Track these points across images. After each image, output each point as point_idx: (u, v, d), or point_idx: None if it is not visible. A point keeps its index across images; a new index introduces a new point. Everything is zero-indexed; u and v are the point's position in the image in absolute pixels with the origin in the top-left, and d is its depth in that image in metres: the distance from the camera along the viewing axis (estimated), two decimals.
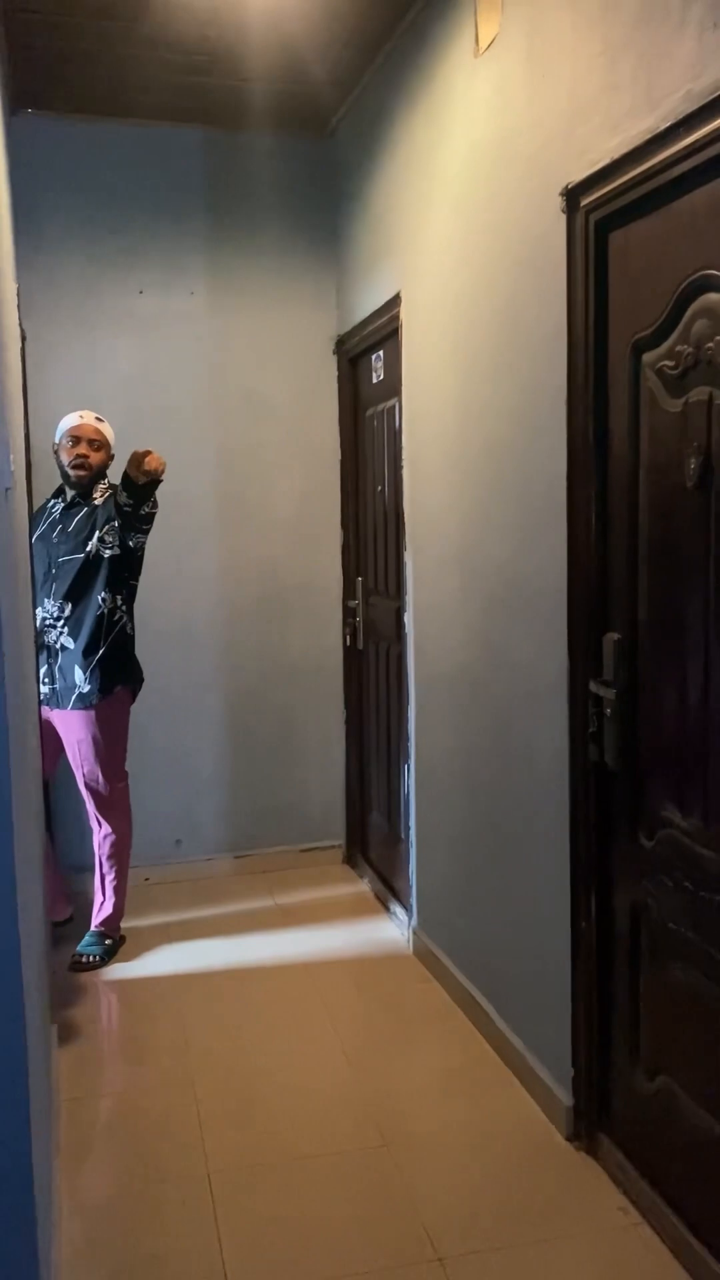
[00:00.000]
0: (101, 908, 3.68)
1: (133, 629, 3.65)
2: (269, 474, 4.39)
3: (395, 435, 3.73)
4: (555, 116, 2.38)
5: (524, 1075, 2.74)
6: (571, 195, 2.31)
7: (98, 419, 3.58)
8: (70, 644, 3.54)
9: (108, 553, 3.51)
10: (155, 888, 4.24)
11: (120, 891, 3.70)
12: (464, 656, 3.09)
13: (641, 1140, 2.29)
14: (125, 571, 3.57)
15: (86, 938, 3.65)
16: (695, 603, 2.01)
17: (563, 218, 2.35)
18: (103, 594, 3.53)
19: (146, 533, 3.53)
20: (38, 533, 3.61)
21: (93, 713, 3.55)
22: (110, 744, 3.60)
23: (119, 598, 3.57)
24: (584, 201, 2.27)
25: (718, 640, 1.94)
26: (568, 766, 2.45)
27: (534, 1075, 2.68)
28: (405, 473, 3.58)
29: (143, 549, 3.57)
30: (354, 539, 4.39)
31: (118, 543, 3.50)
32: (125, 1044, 3.19)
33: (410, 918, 3.68)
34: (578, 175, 2.28)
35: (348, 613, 4.43)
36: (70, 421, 3.55)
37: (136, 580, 3.63)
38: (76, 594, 3.53)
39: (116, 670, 3.57)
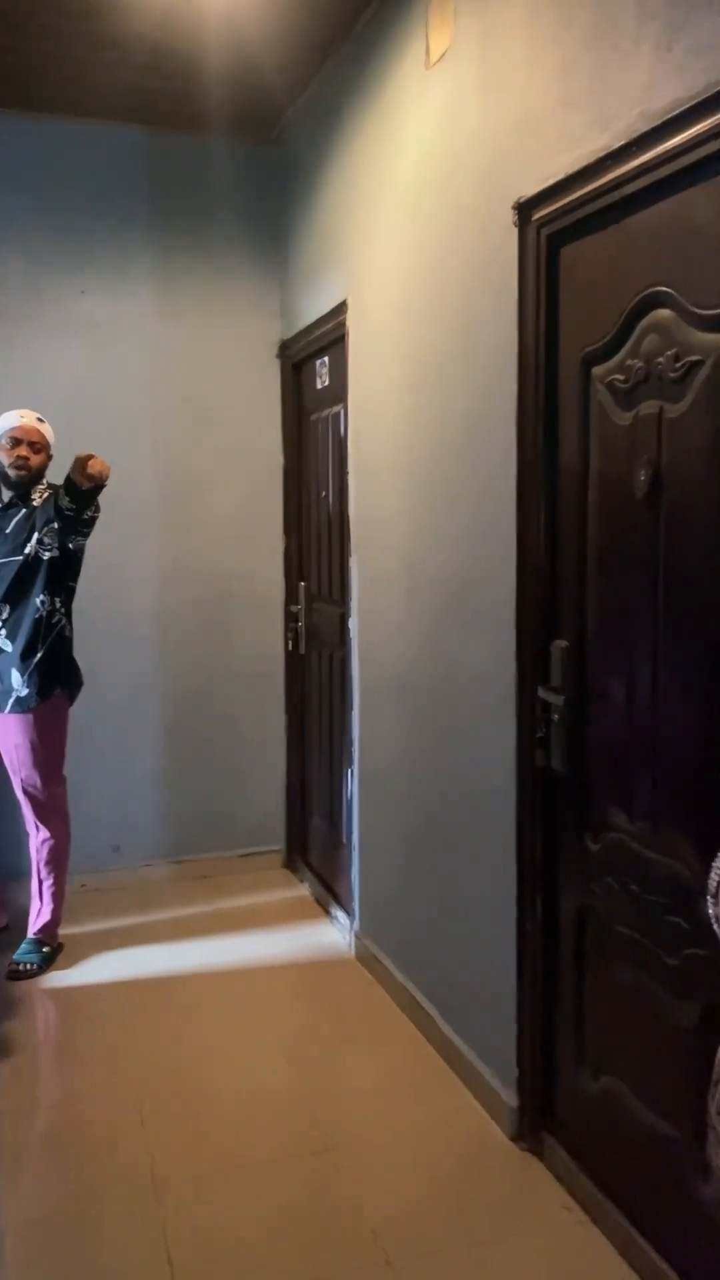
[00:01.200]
0: (39, 914, 3.62)
1: (71, 632, 3.60)
2: (211, 478, 4.37)
3: (340, 441, 3.74)
4: (508, 131, 2.42)
5: (468, 1077, 2.77)
6: (523, 209, 2.35)
7: (39, 419, 3.53)
8: (8, 646, 3.48)
9: (47, 555, 3.46)
10: (93, 894, 4.18)
11: (58, 898, 3.64)
12: (410, 662, 3.11)
13: (587, 1139, 2.33)
14: (64, 574, 3.52)
15: (24, 945, 3.59)
16: (642, 612, 2.05)
17: (515, 231, 2.39)
18: (41, 596, 3.47)
19: (87, 535, 3.48)
20: None
21: (30, 716, 3.49)
22: (48, 748, 3.54)
23: (58, 600, 3.52)
24: (536, 216, 2.31)
25: (664, 649, 1.99)
26: (515, 771, 2.48)
27: (479, 1077, 2.71)
28: (350, 479, 3.59)
29: (82, 551, 3.52)
30: (297, 544, 4.39)
31: (57, 545, 3.45)
32: (64, 1053, 3.15)
33: (352, 922, 3.69)
34: (530, 190, 2.31)
35: (290, 617, 4.42)
36: (10, 421, 3.50)
37: (75, 583, 3.58)
38: (14, 596, 3.48)
39: (55, 673, 3.52)
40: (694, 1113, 1.94)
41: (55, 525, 3.42)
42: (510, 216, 2.40)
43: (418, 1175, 2.46)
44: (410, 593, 3.10)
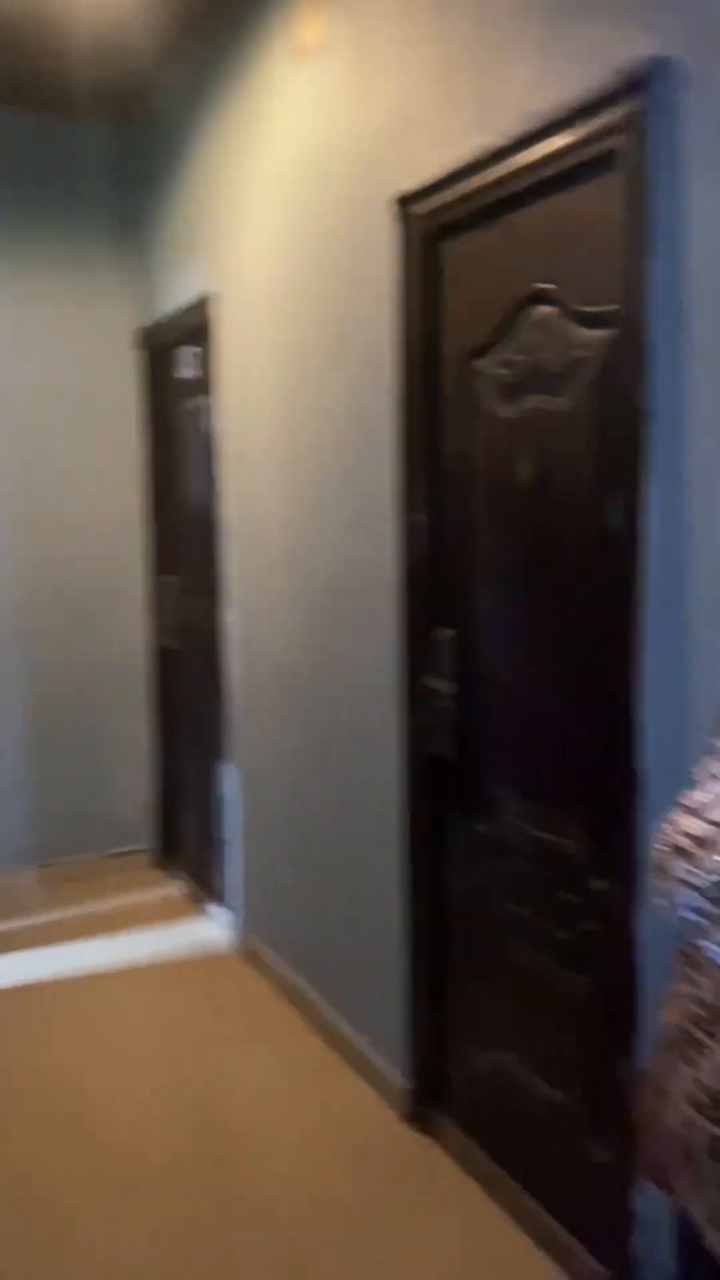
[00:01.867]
0: None
1: None
2: (68, 470, 4.24)
3: (210, 434, 3.70)
4: (387, 126, 2.44)
5: (359, 1064, 2.79)
6: (402, 205, 2.38)
7: None
8: None
9: None
10: None
11: None
12: (292, 654, 3.11)
13: (479, 1115, 2.39)
14: None
15: None
16: (527, 601, 2.11)
17: (394, 226, 2.41)
18: None
19: None
20: None
21: None
22: None
23: None
24: (415, 211, 2.34)
25: (547, 636, 2.06)
26: (405, 758, 2.51)
27: (368, 1063, 2.74)
28: (222, 471, 3.56)
29: None
30: (163, 537, 4.31)
31: None
32: None
33: (230, 916, 3.66)
34: (409, 185, 2.34)
35: (158, 612, 4.34)
36: None
37: None
38: None
39: None
40: (584, 1079, 2.02)
41: None
42: (389, 211, 2.42)
43: (314, 1167, 2.46)
44: (291, 586, 3.09)
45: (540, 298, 2.02)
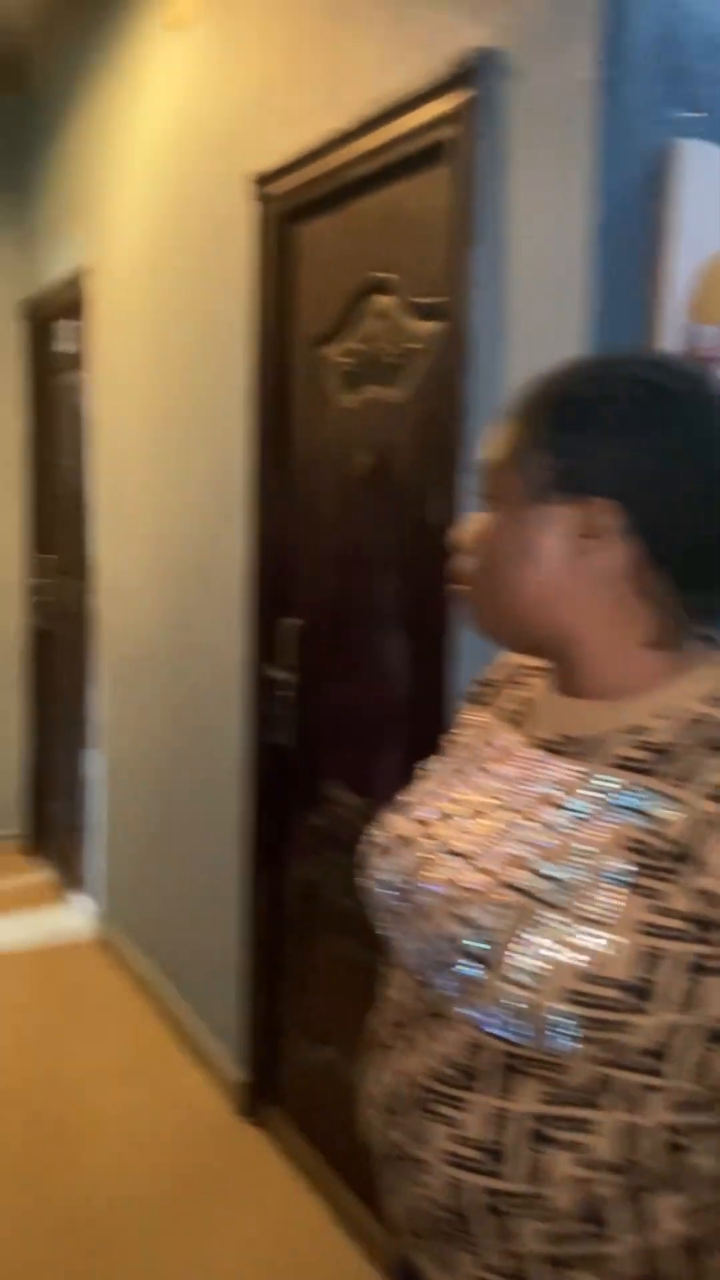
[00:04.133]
0: None
1: None
2: None
3: (84, 410, 3.61)
4: (247, 102, 2.39)
5: (201, 1055, 2.76)
6: (260, 184, 2.33)
7: None
8: None
9: None
10: None
11: None
12: (154, 639, 3.05)
13: (309, 1110, 2.37)
14: None
15: None
16: (361, 592, 2.09)
17: (252, 206, 2.37)
18: None
19: None
20: None
21: None
22: None
23: None
24: (271, 191, 2.30)
25: (383, 627, 2.04)
26: (247, 748, 2.48)
27: (208, 1054, 2.71)
28: (93, 450, 3.48)
29: None
30: (39, 515, 4.21)
31: None
32: None
33: (92, 905, 3.60)
34: (266, 165, 2.29)
35: (32, 591, 4.24)
36: None
37: None
38: None
39: None
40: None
41: None
42: (247, 191, 2.37)
43: (140, 1157, 2.43)
44: (153, 569, 3.03)
45: (380, 287, 2.00)
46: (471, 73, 1.68)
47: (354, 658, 2.14)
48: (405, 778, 1.98)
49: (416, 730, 1.90)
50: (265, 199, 2.32)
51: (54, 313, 3.88)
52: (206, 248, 2.61)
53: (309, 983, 2.35)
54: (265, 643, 2.40)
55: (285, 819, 2.42)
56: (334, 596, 2.21)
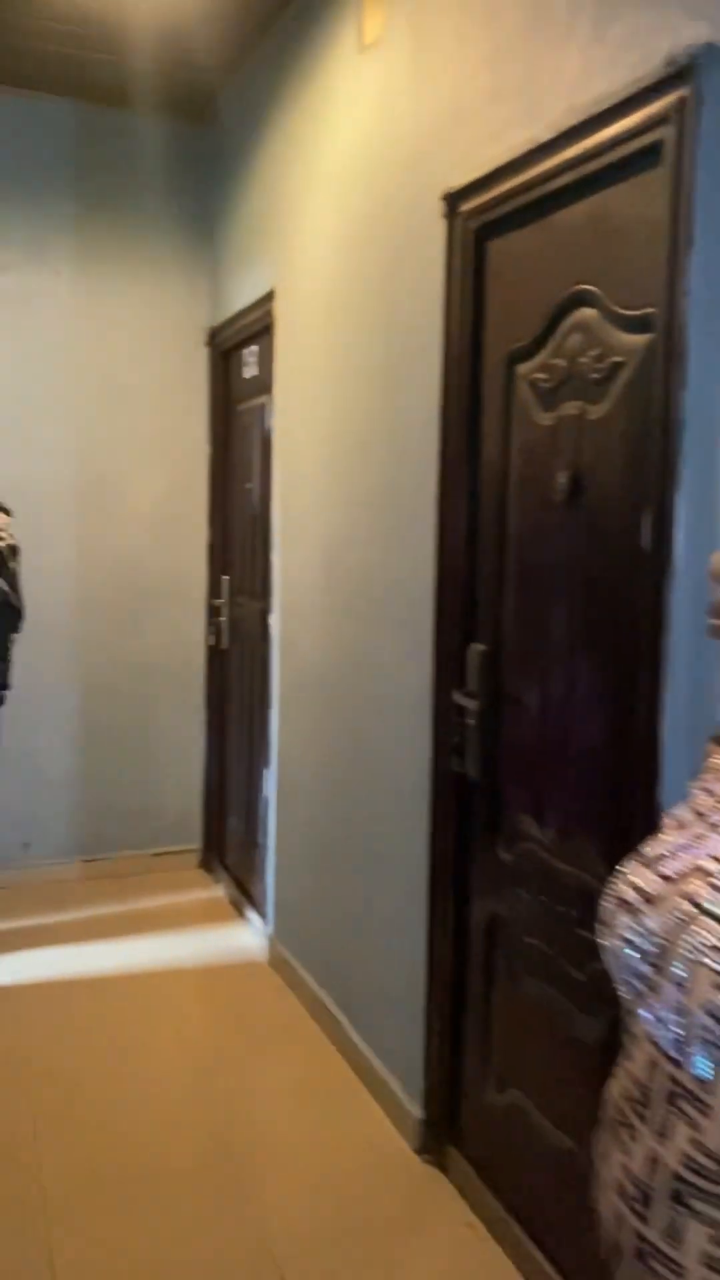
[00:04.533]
0: None
1: None
2: (133, 466, 4.25)
3: (266, 433, 3.66)
4: (438, 119, 2.35)
5: (375, 1087, 2.71)
6: (451, 201, 2.29)
7: None
8: None
9: None
10: (0, 893, 4.04)
11: None
12: (327, 661, 3.04)
13: (491, 1154, 2.28)
14: None
15: None
16: (559, 618, 2.00)
17: (442, 223, 2.33)
18: None
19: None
20: None
21: None
22: None
23: None
24: (463, 208, 2.25)
25: (579, 656, 1.95)
26: (429, 776, 2.42)
27: (385, 1087, 2.65)
28: (275, 472, 3.51)
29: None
30: (221, 537, 4.29)
31: None
32: None
33: (266, 925, 3.61)
34: (458, 181, 2.25)
35: (213, 611, 4.32)
36: None
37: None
38: None
39: None
40: (595, 1128, 1.90)
41: None
42: (438, 208, 2.33)
43: (319, 1188, 2.39)
44: (329, 590, 3.02)
45: (582, 299, 1.91)
46: (688, 70, 1.59)
47: (547, 686, 2.05)
48: (602, 815, 1.88)
49: (620, 766, 1.80)
50: (457, 215, 2.27)
51: (240, 338, 3.95)
52: (394, 267, 2.59)
53: (495, 1023, 2.26)
54: (450, 668, 2.33)
55: (468, 851, 2.34)
56: (525, 622, 2.13)
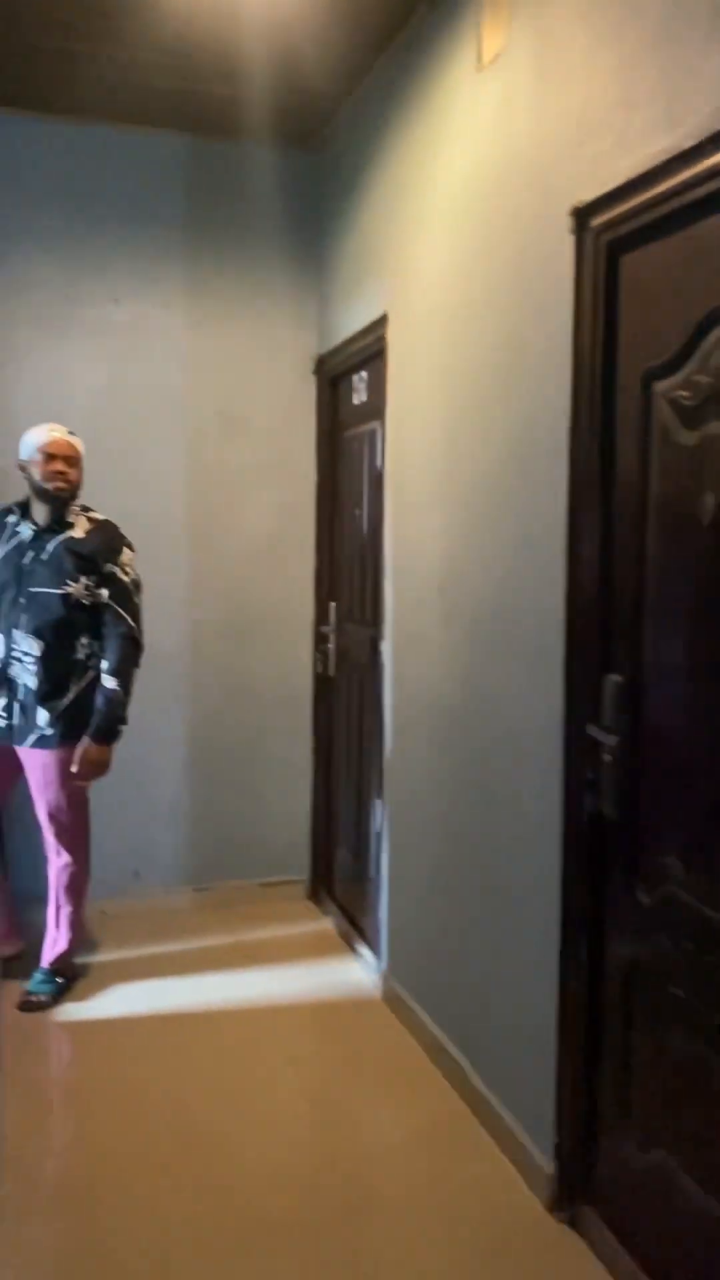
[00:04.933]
0: (55, 943, 3.48)
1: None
2: (242, 494, 4.25)
3: (376, 459, 3.61)
4: (565, 133, 2.28)
5: (501, 1136, 2.59)
6: (581, 216, 2.21)
7: (70, 433, 3.42)
8: (33, 684, 3.34)
9: (87, 600, 3.34)
10: (111, 921, 4.04)
11: (75, 925, 3.50)
12: (447, 690, 2.96)
13: (632, 1216, 2.15)
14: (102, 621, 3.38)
15: (37, 975, 3.45)
16: (706, 648, 1.89)
17: (571, 239, 2.25)
18: (83, 638, 3.35)
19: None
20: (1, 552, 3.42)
21: (57, 752, 3.36)
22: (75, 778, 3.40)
23: (97, 644, 3.39)
24: (594, 222, 2.17)
25: None
26: (560, 813, 2.32)
27: (513, 1138, 2.53)
28: (387, 497, 3.46)
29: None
30: (329, 564, 4.26)
31: (93, 599, 3.35)
32: (74, 1094, 2.99)
33: (379, 961, 3.52)
34: (588, 195, 2.17)
35: (320, 639, 4.28)
36: (41, 437, 3.37)
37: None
38: (50, 632, 3.32)
39: (84, 718, 3.37)
40: None
41: (92, 583, 3.34)
42: (566, 223, 2.26)
43: (446, 1242, 2.28)
44: (448, 618, 2.95)
45: None
46: None
47: (693, 720, 1.94)
48: None
49: None
50: (588, 230, 2.19)
51: (349, 365, 3.93)
52: (517, 285, 2.52)
53: (635, 1076, 2.14)
54: (584, 701, 2.23)
55: (604, 892, 2.23)
56: (668, 651, 2.02)
